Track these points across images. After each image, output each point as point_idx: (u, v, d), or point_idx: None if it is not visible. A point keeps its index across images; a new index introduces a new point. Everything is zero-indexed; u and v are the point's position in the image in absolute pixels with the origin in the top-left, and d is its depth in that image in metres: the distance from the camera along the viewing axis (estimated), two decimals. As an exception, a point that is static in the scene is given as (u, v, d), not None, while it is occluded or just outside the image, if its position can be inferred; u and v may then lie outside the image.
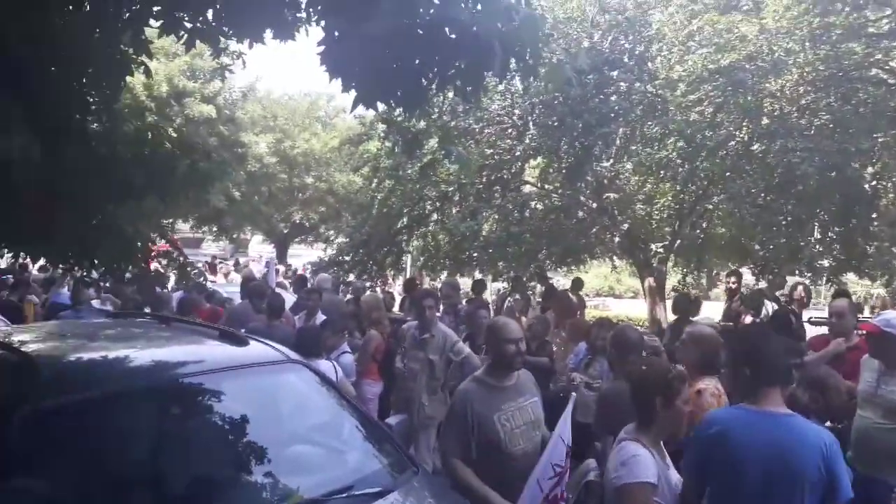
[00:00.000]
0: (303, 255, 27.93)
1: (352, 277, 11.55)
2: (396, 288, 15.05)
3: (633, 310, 13.12)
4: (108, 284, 7.31)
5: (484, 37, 3.03)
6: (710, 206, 11.19)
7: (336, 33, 3.35)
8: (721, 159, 10.19)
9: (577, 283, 12.02)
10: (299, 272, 15.94)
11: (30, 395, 2.68)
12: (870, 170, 10.14)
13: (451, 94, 3.46)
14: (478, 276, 12.90)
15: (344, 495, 2.86)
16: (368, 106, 3.48)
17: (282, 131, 24.59)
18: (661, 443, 2.88)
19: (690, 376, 3.95)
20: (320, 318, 7.23)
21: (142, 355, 3.41)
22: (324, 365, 5.06)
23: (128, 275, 3.77)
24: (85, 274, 3.75)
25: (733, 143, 10.04)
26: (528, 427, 3.48)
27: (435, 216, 11.93)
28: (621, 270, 22.33)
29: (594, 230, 11.53)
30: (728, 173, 10.35)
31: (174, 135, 4.20)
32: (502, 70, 3.32)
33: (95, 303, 7.48)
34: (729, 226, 12.16)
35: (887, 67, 9.43)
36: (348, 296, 11.06)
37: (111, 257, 3.55)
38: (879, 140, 9.35)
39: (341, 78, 3.37)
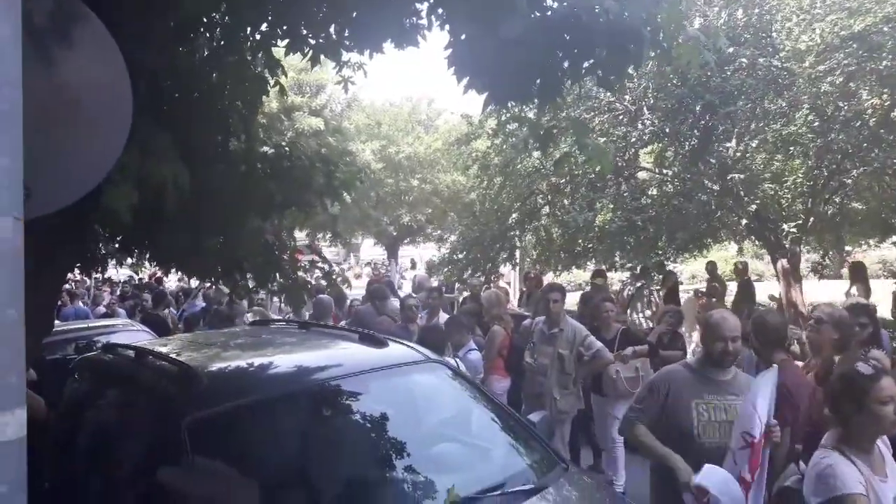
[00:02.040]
0: (413, 256, 28.44)
1: (466, 275, 11.57)
2: (514, 284, 14.96)
3: (761, 293, 12.33)
4: (261, 297, 7.66)
5: (630, 25, 2.90)
6: (848, 181, 10.35)
7: (462, 36, 3.32)
8: (857, 130, 9.41)
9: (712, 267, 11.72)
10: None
11: (192, 403, 2.82)
12: None
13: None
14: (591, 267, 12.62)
15: (497, 493, 2.82)
16: (501, 105, 3.43)
17: (386, 137, 25.10)
18: (881, 447, 2.63)
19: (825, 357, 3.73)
20: (443, 317, 7.28)
21: (289, 360, 3.53)
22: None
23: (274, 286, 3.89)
24: (237, 287, 3.90)
25: (870, 112, 9.23)
26: (729, 425, 3.24)
27: (547, 209, 11.73)
28: (745, 253, 21.25)
29: (718, 213, 10.94)
30: (865, 144, 9.55)
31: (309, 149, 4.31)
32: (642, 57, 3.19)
33: (248, 316, 7.86)
34: (867, 199, 11.25)
35: None
36: (464, 293, 11.13)
37: (259, 270, 3.69)
38: None
39: (470, 78, 3.34)
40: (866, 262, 21.66)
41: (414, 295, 8.69)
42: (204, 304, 10.00)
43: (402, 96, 28.64)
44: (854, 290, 9.49)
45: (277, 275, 3.73)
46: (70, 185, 2.13)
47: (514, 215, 11.67)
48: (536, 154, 10.84)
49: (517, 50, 3.04)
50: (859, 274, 9.92)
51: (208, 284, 4.25)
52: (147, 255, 4.02)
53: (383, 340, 3.76)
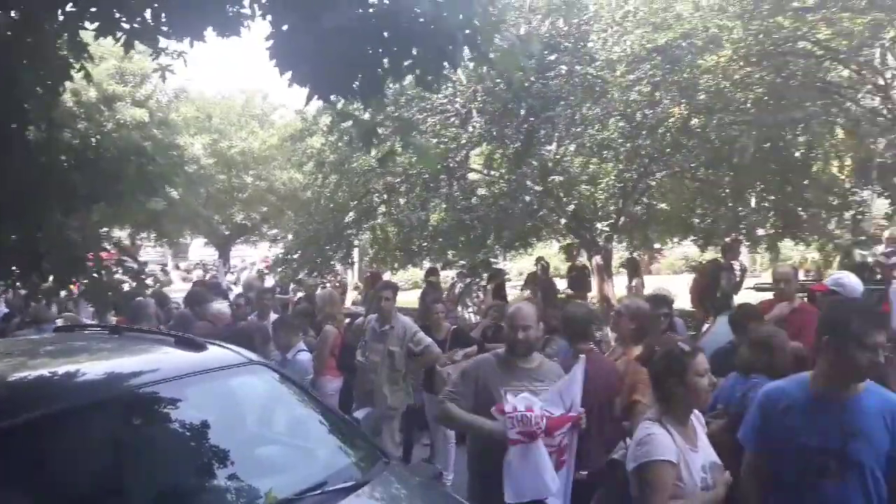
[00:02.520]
0: (248, 256, 27.37)
1: (302, 275, 11.38)
2: (350, 282, 14.91)
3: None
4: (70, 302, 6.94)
5: (446, 27, 3.01)
6: (653, 183, 11.44)
7: (285, 27, 3.28)
8: (661, 136, 10.42)
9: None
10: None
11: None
12: (801, 139, 10.53)
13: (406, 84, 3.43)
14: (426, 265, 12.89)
15: (318, 492, 2.82)
16: (323, 99, 3.42)
17: (217, 131, 23.95)
18: (695, 421, 2.92)
19: (625, 345, 4.15)
20: (273, 317, 7.12)
21: (98, 367, 3.30)
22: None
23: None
24: (36, 288, 3.55)
25: (672, 119, 10.27)
26: None
27: (383, 208, 11.85)
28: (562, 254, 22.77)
29: (541, 213, 11.63)
30: (668, 150, 10.61)
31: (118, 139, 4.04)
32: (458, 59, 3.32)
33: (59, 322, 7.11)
34: (671, 201, 12.49)
35: (814, 40, 9.78)
36: (299, 294, 10.94)
37: (61, 269, 3.39)
38: (810, 109, 9.72)
39: (292, 72, 3.31)
40: (671, 258, 24.08)
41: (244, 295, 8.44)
42: (5, 311, 8.99)
43: (236, 89, 27.36)
44: (634, 283, 10.61)
45: (81, 276, 3.45)
46: None
47: (350, 214, 11.65)
48: (373, 153, 10.91)
49: (339, 42, 3.06)
50: (636, 270, 11.09)
51: (2, 288, 3.83)
52: None
53: (202, 344, 3.61)
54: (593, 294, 11.97)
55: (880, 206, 11.74)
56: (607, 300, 11.38)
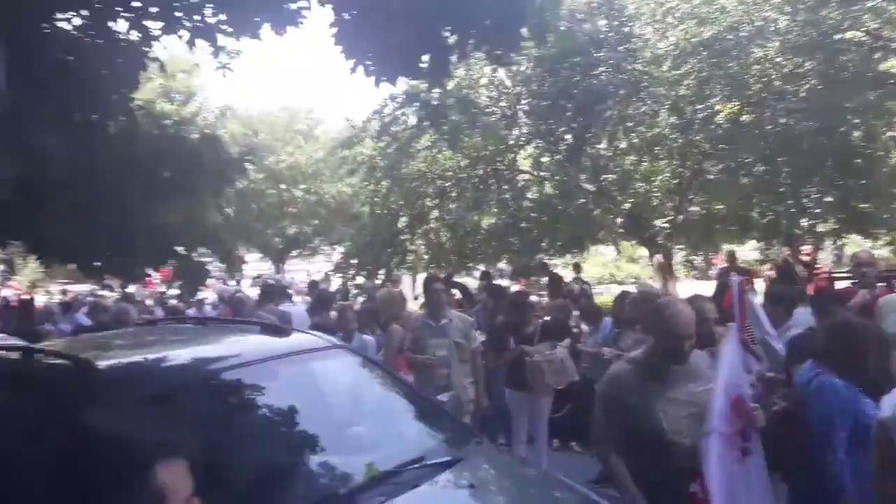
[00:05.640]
0: (302, 270, 27.67)
1: (361, 280, 11.50)
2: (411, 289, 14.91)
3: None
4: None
5: None
6: (710, 177, 11.22)
7: (346, 15, 3.33)
8: (713, 131, 10.24)
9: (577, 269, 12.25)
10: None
11: (89, 397, 2.63)
12: (857, 132, 10.20)
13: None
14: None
15: (416, 466, 2.82)
16: (390, 82, 3.45)
17: (264, 147, 24.47)
18: None
19: None
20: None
21: (192, 352, 3.38)
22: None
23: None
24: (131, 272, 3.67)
25: (723, 114, 10.09)
26: (697, 415, 2.92)
27: (435, 213, 11.89)
28: (619, 259, 22.49)
29: (595, 213, 11.52)
30: (721, 145, 10.41)
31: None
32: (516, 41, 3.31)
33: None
34: (727, 198, 12.19)
35: (863, 30, 9.53)
36: (360, 298, 11.03)
37: (152, 253, 3.49)
38: (864, 100, 9.45)
39: (357, 58, 3.35)
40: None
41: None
42: (82, 323, 9.28)
43: (279, 106, 27.89)
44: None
45: (171, 259, 3.55)
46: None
47: (403, 219, 11.72)
48: (421, 158, 11.01)
49: (405, 23, 3.09)
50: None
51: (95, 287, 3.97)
52: (29, 247, 3.70)
53: (286, 329, 3.69)
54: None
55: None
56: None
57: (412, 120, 9.11)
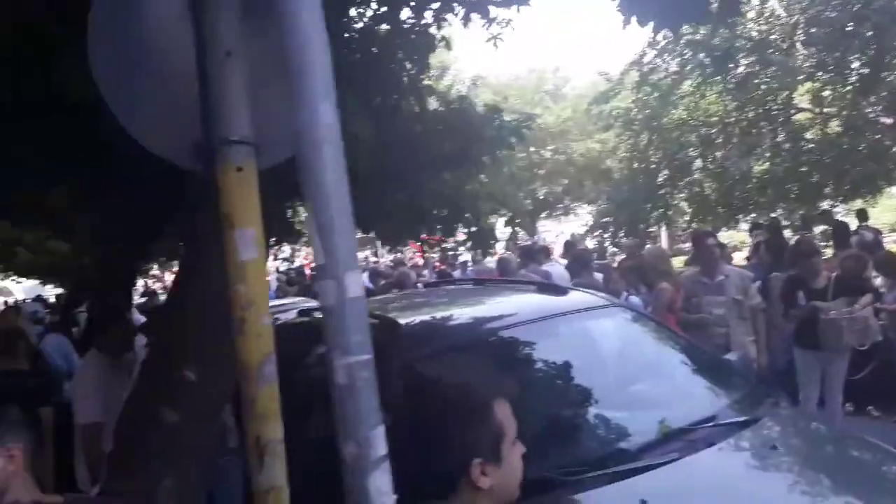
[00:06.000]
0: (552, 230, 28.01)
1: (620, 236, 11.32)
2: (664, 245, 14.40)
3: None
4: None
5: None
6: None
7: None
8: None
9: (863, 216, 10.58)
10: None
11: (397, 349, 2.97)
12: None
13: None
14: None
15: (710, 424, 2.75)
16: (673, 30, 3.33)
17: (514, 111, 24.86)
18: None
19: None
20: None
21: (479, 310, 3.65)
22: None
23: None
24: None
25: None
26: None
27: (698, 163, 11.20)
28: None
29: (893, 150, 9.94)
30: None
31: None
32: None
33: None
34: None
35: None
36: (619, 256, 10.87)
37: (445, 221, 3.83)
38: None
39: (637, 14, 3.26)
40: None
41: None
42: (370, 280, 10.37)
43: (527, 69, 28.04)
44: None
45: (464, 225, 3.85)
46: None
47: (664, 172, 11.24)
48: (683, 105, 10.39)
49: None
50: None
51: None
52: None
53: (563, 289, 3.79)
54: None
55: None
56: None
57: (673, 66, 8.61)
